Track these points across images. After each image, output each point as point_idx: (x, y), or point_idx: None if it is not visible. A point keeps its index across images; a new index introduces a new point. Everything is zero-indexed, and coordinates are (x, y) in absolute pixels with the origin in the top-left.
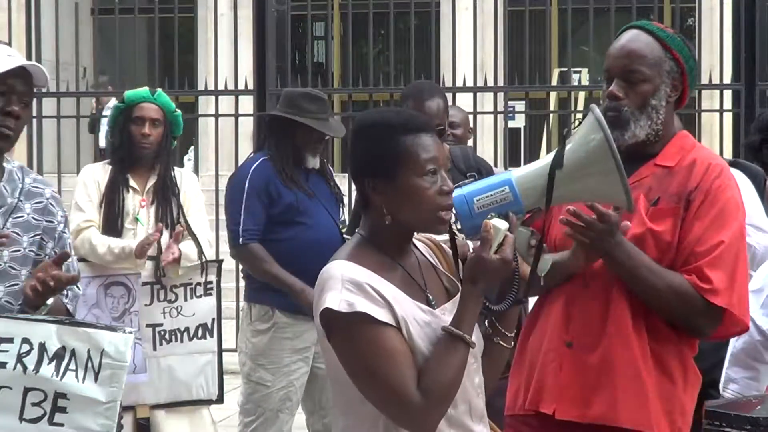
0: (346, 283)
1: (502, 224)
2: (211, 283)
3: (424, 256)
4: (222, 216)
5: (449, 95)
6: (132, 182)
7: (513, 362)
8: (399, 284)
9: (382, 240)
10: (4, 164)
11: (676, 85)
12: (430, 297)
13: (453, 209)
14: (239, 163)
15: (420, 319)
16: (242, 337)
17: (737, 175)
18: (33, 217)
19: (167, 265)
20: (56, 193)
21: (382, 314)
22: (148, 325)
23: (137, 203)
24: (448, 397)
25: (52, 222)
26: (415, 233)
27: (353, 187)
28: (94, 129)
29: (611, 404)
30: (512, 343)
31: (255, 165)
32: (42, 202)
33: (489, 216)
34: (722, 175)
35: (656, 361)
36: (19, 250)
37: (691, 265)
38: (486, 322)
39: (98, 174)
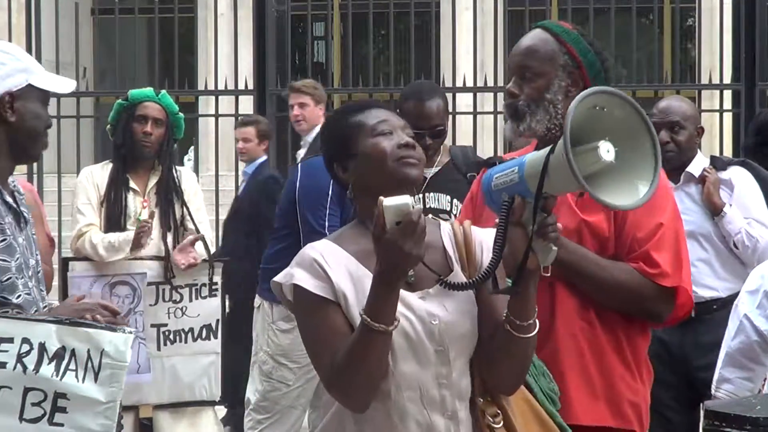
0: (298, 258)
1: (396, 201)
2: (216, 284)
3: (440, 238)
4: (223, 216)
5: (449, 95)
6: (132, 184)
7: None
8: (373, 261)
9: (364, 218)
10: None
11: (576, 79)
12: (411, 276)
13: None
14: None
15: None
16: (263, 336)
17: (743, 172)
18: (28, 215)
19: (186, 269)
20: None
21: (316, 287)
22: (152, 325)
23: (139, 204)
24: (356, 380)
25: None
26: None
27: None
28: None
29: (563, 402)
30: (530, 333)
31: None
32: (23, 197)
33: (502, 195)
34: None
35: (606, 354)
36: (38, 252)
37: (636, 252)
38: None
39: (97, 175)
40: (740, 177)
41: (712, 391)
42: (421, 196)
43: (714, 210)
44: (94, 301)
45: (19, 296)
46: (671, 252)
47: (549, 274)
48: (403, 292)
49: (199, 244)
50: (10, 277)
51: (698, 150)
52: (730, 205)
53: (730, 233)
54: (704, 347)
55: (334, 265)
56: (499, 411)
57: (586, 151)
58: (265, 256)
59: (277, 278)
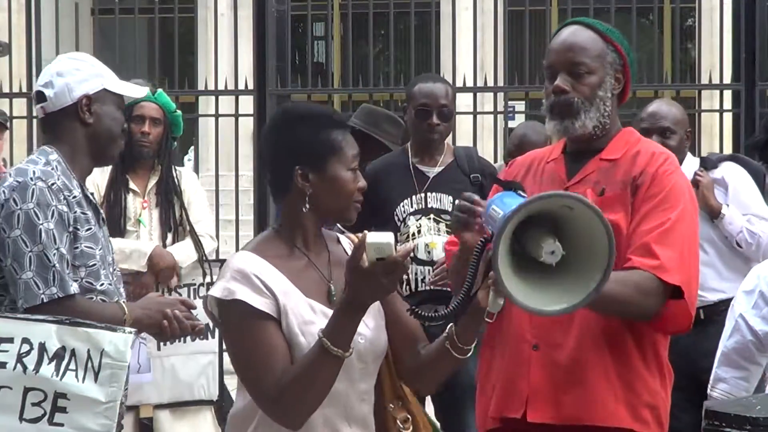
0: (234, 273)
1: (379, 238)
2: (213, 283)
3: (345, 253)
4: (223, 216)
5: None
6: (132, 184)
7: (478, 380)
8: (299, 277)
9: (293, 229)
10: None
11: (619, 77)
12: (332, 290)
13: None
14: (239, 164)
15: (305, 316)
16: None
17: (734, 167)
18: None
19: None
20: None
21: (261, 303)
22: None
23: (138, 205)
24: (304, 400)
25: None
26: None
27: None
28: None
29: (584, 403)
30: (467, 354)
31: None
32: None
33: (485, 226)
34: (668, 162)
35: (628, 355)
36: None
37: (637, 244)
38: (447, 329)
39: (96, 176)
40: (733, 173)
41: (708, 391)
42: (423, 195)
43: (712, 213)
44: (174, 297)
45: (102, 284)
46: (675, 250)
47: (492, 321)
48: (329, 311)
49: (189, 244)
50: (95, 264)
51: (687, 152)
52: (727, 205)
53: (731, 234)
54: (713, 349)
55: (272, 280)
56: (408, 416)
57: (536, 242)
58: None
59: (215, 293)
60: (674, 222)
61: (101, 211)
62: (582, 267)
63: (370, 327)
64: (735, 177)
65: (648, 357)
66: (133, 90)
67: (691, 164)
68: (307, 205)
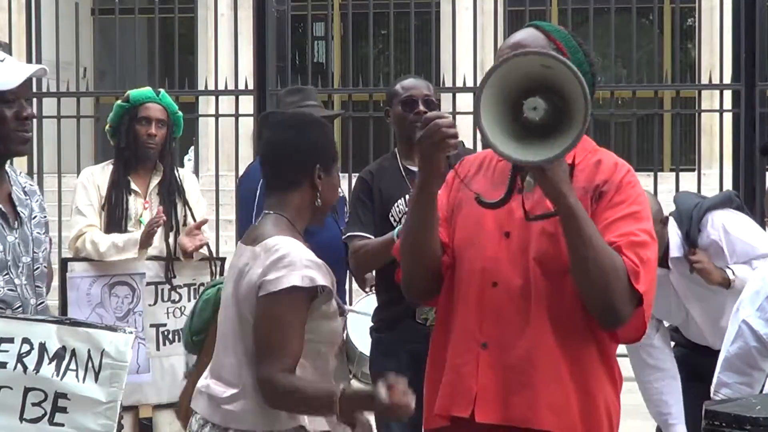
0: (305, 261)
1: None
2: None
3: None
4: (222, 216)
5: (449, 95)
6: (133, 185)
7: (426, 373)
8: None
9: (301, 220)
10: (7, 167)
11: None
12: None
13: None
14: (239, 164)
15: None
16: None
17: (718, 219)
18: (41, 215)
19: (193, 251)
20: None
21: (331, 287)
22: (151, 325)
23: (140, 206)
24: (294, 409)
25: (46, 216)
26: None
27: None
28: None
29: (532, 406)
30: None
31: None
32: (38, 198)
33: None
34: (630, 173)
35: (579, 359)
36: (46, 248)
37: (622, 241)
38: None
39: (98, 177)
40: (718, 228)
41: (711, 395)
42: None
43: (724, 286)
44: None
45: None
46: (647, 267)
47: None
48: None
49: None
50: None
51: (667, 238)
52: (731, 269)
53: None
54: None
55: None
56: None
57: (519, 103)
58: None
59: (294, 281)
60: (649, 241)
61: (20, 212)
62: (564, 128)
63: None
64: (723, 230)
65: (602, 362)
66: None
67: (675, 243)
68: (319, 201)
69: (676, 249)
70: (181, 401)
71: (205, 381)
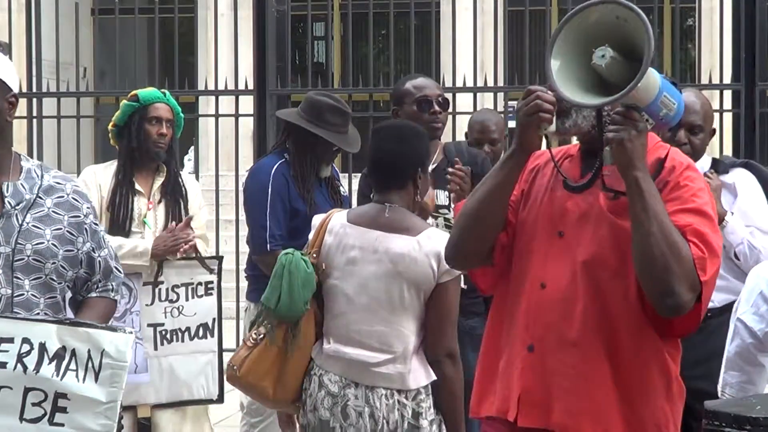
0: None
1: None
2: (211, 282)
3: None
4: (223, 216)
5: (449, 95)
6: (137, 185)
7: (478, 364)
8: None
9: (412, 211)
10: (22, 163)
11: None
12: None
13: None
14: (239, 164)
15: None
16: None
17: (746, 175)
18: (54, 211)
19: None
20: (79, 188)
21: None
22: (149, 325)
23: (143, 206)
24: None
25: (78, 216)
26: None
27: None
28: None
29: (573, 412)
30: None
31: (275, 168)
32: (63, 197)
33: None
34: (691, 168)
35: (627, 367)
36: (42, 243)
37: (689, 227)
38: None
39: (100, 176)
40: (744, 181)
41: (719, 395)
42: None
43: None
44: None
45: None
46: (713, 259)
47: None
48: None
49: (201, 243)
50: None
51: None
52: (732, 213)
53: (731, 243)
54: (696, 357)
55: None
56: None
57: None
58: (250, 261)
59: (448, 276)
60: (713, 231)
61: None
62: (628, 76)
63: None
64: (746, 185)
65: (654, 369)
66: None
67: (703, 164)
68: (419, 196)
69: (700, 167)
70: (235, 361)
71: (333, 346)
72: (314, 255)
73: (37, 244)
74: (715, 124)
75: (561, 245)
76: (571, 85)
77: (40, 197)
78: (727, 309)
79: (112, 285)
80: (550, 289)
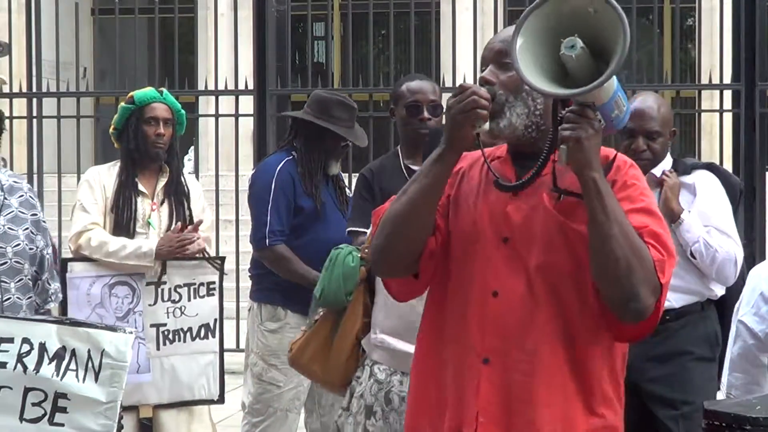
0: None
1: None
2: (213, 283)
3: None
4: (223, 216)
5: (449, 95)
6: (141, 186)
7: (414, 373)
8: None
9: None
10: None
11: None
12: None
13: None
14: (239, 164)
15: None
16: (252, 338)
17: (708, 177)
18: (20, 211)
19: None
20: (29, 185)
21: None
22: (152, 325)
23: (147, 207)
24: None
25: (36, 215)
26: None
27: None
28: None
29: (533, 425)
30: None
31: (281, 165)
32: (23, 195)
33: None
34: (634, 167)
35: (586, 374)
36: (19, 244)
37: (644, 228)
38: None
39: (104, 177)
40: (705, 182)
41: (724, 396)
42: None
43: (671, 216)
44: None
45: None
46: (673, 256)
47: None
48: None
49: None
50: None
51: (668, 154)
52: (689, 211)
53: (687, 242)
54: (655, 359)
55: None
56: None
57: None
58: (254, 261)
59: None
60: (665, 232)
61: None
62: (590, 72)
63: None
64: (706, 186)
65: (610, 379)
66: None
67: (665, 165)
68: None
69: (660, 170)
70: (301, 347)
71: (380, 336)
72: (366, 250)
73: (15, 246)
74: (715, 124)
75: (507, 251)
76: (531, 71)
77: (6, 198)
78: (687, 312)
79: (55, 287)
80: (504, 298)
